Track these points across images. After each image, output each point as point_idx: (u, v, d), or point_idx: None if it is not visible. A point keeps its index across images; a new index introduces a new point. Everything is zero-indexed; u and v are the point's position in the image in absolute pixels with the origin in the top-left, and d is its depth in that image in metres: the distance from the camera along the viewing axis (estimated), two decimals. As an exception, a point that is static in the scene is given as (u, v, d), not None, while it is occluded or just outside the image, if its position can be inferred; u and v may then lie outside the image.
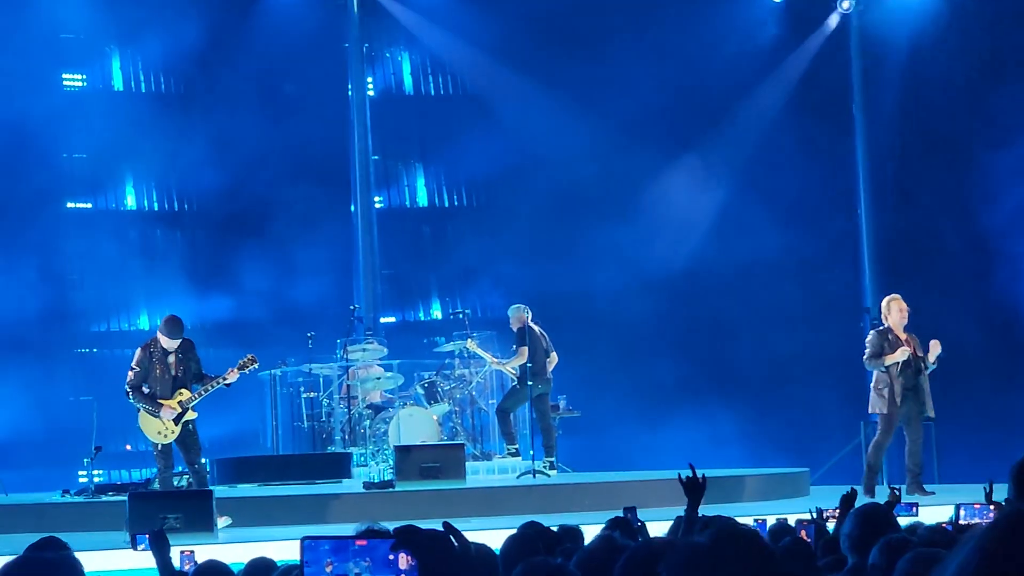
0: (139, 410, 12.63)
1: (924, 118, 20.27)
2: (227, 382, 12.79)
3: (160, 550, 6.26)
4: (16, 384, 19.54)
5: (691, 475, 6.06)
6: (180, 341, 12.70)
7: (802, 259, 20.48)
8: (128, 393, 12.65)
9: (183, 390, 12.60)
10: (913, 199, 20.57)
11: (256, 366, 13.22)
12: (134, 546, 9.76)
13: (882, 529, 5.41)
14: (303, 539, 3.48)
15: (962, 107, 20.07)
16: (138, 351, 12.78)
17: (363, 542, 3.46)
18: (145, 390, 12.61)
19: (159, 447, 12.63)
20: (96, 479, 16.48)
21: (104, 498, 14.10)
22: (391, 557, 3.40)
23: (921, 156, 20.44)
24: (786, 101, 21.02)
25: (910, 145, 20.59)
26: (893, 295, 14.45)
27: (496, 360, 16.69)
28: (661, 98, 20.17)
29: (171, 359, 12.65)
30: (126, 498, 11.87)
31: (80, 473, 18.30)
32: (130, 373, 12.70)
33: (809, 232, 20.65)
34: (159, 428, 12.57)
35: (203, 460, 13.05)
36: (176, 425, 12.56)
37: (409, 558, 3.34)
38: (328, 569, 3.42)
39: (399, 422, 15.98)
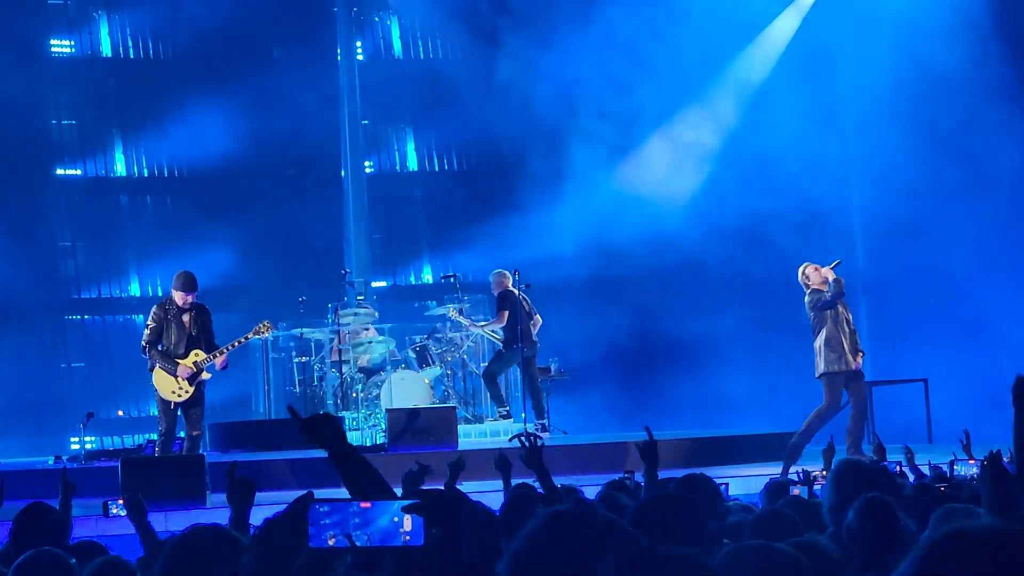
0: (152, 368, 12.60)
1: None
2: (241, 345, 12.91)
3: (138, 516, 5.93)
4: (7, 351, 19.54)
5: (647, 440, 6.19)
6: (195, 301, 12.67)
7: (796, 218, 20.41)
8: (144, 349, 12.64)
9: (198, 351, 12.59)
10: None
11: (270, 334, 13.30)
12: (105, 513, 8.04)
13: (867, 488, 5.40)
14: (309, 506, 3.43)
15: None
16: (154, 308, 12.77)
17: (367, 505, 3.40)
18: (160, 348, 12.60)
19: (171, 406, 12.57)
20: (88, 445, 16.47)
21: (96, 464, 14.11)
22: (395, 520, 3.34)
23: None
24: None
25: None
26: (807, 262, 13.84)
27: (475, 324, 16.70)
28: (656, 55, 20.05)
29: (186, 318, 12.62)
30: (118, 464, 11.88)
31: (72, 439, 18.33)
32: (146, 330, 12.69)
33: (803, 192, 20.59)
34: (174, 387, 12.54)
35: (202, 429, 12.97)
36: (191, 385, 12.55)
37: (410, 519, 3.29)
38: (331, 542, 3.38)
39: (391, 386, 16.01)
